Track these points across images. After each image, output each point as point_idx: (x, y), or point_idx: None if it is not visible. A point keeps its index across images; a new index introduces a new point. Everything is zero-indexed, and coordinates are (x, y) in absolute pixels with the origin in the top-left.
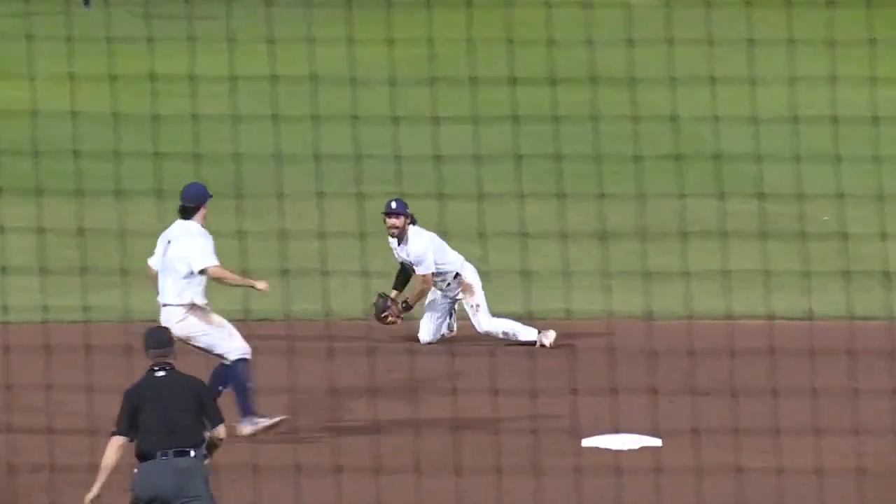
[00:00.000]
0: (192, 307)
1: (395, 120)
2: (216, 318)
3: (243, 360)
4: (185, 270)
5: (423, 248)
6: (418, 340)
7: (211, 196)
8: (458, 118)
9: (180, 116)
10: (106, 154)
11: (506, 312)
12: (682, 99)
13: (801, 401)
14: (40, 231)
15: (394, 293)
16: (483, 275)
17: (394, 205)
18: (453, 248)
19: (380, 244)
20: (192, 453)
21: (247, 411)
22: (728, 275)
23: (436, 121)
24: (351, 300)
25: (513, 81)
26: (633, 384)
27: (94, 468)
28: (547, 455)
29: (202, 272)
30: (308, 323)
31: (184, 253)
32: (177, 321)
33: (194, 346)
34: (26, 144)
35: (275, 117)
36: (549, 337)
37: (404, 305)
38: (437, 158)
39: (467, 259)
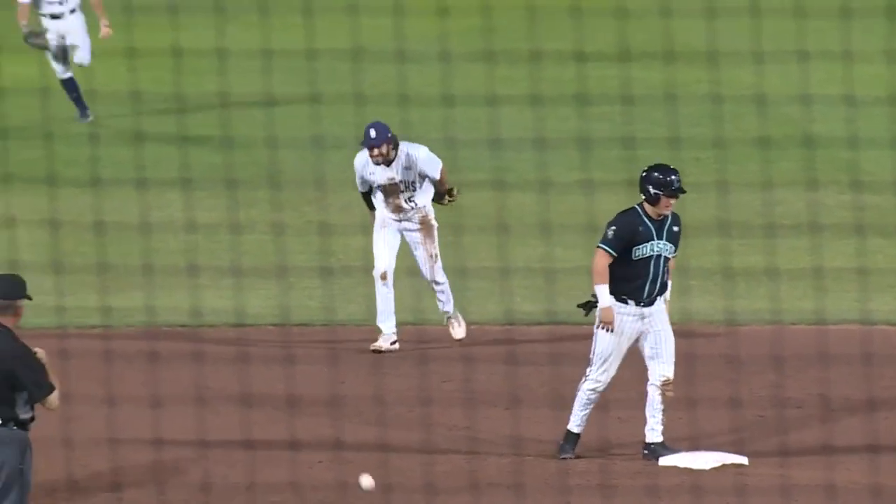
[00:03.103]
0: None
1: (448, 100)
2: None
3: None
4: None
5: (426, 151)
6: (384, 277)
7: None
8: (518, 98)
9: (207, 95)
10: (125, 138)
11: (572, 317)
12: (769, 76)
13: None
14: (54, 224)
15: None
16: (546, 272)
17: (373, 133)
18: (517, 244)
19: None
20: None
21: None
22: (820, 274)
23: (493, 101)
24: (401, 302)
25: (580, 57)
26: (714, 395)
27: (116, 485)
28: (618, 475)
29: None
30: (352, 329)
31: None
32: None
33: None
34: (36, 127)
35: (313, 98)
36: (459, 332)
37: (449, 196)
38: (495, 143)
39: None
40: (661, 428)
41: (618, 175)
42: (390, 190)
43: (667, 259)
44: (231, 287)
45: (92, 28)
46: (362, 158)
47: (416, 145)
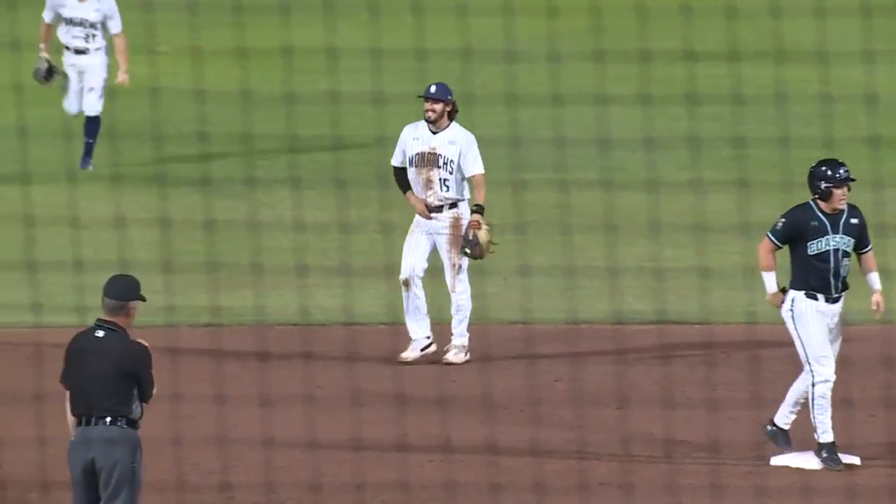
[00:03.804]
0: None
1: (557, 99)
2: None
3: None
4: None
5: (474, 142)
6: (406, 285)
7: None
8: (628, 97)
9: (317, 95)
10: (235, 137)
11: (682, 316)
12: (879, 75)
13: None
14: (164, 223)
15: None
16: (655, 271)
17: (433, 88)
18: (626, 243)
19: (543, 239)
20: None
21: None
22: None
23: (602, 100)
24: (508, 302)
25: (689, 56)
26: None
27: (226, 485)
28: (728, 475)
29: None
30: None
31: None
32: None
33: None
34: (146, 126)
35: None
36: (454, 357)
37: (476, 208)
38: (604, 143)
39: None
40: (792, 419)
41: (728, 174)
42: (429, 160)
43: (846, 253)
44: (341, 286)
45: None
46: (412, 128)
47: (468, 131)
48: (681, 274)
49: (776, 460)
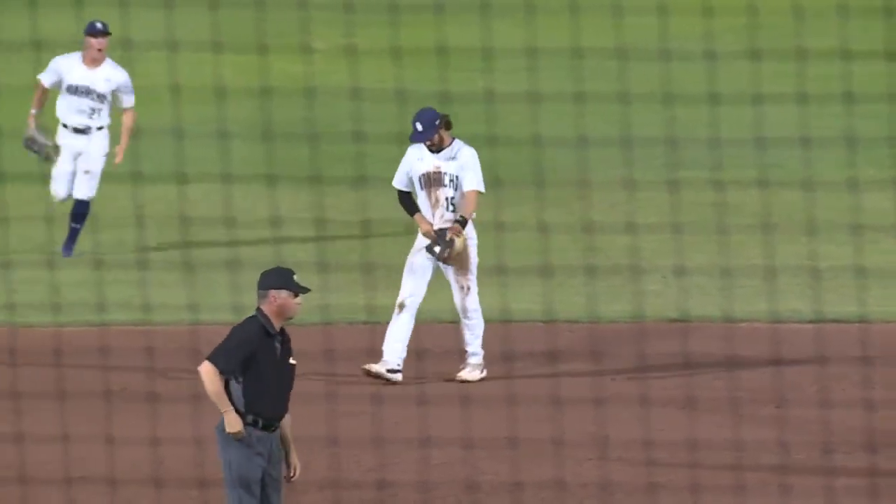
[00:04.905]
0: None
1: (714, 98)
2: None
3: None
4: None
5: (475, 158)
6: (399, 307)
7: None
8: (784, 96)
9: (472, 94)
10: (390, 136)
11: (839, 315)
12: None
13: None
14: (320, 223)
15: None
16: (812, 270)
17: (420, 127)
18: (783, 242)
19: (700, 239)
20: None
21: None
22: None
23: (759, 99)
24: (666, 302)
25: (846, 55)
26: None
27: (383, 483)
28: (888, 474)
29: None
30: (620, 326)
31: None
32: None
33: None
34: (300, 125)
35: (577, 96)
36: (468, 374)
37: (460, 219)
38: (761, 141)
39: None
40: None
41: (886, 173)
42: (434, 179)
43: None
44: (498, 285)
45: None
46: (416, 149)
47: (469, 147)
48: (838, 273)
49: None
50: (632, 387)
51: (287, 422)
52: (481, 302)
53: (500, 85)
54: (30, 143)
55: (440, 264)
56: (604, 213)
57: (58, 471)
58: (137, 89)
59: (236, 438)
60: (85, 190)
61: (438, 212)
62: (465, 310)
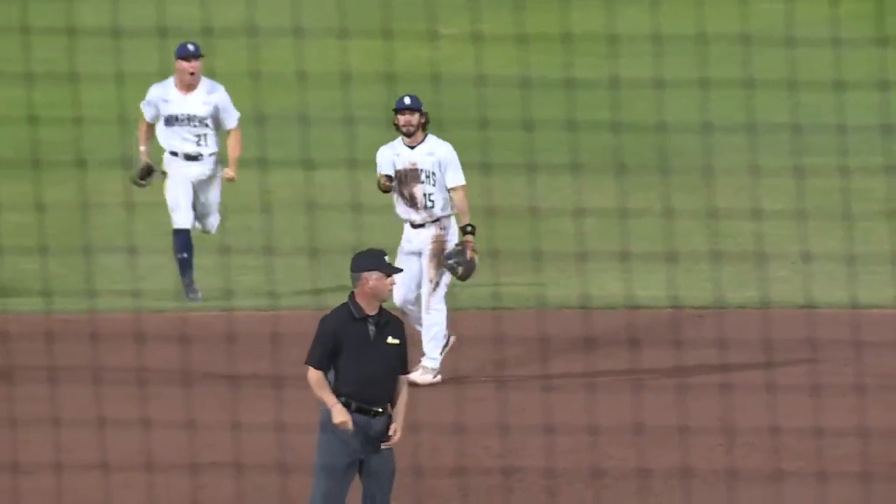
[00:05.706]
0: None
1: (839, 85)
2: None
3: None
4: None
5: (453, 153)
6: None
7: None
8: None
9: (597, 80)
10: (515, 123)
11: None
12: None
13: None
14: None
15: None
16: None
17: (408, 100)
18: None
19: (826, 225)
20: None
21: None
22: None
23: (885, 85)
24: (793, 288)
25: None
26: None
27: (506, 469)
28: None
29: None
30: (749, 312)
31: None
32: None
33: None
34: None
35: (702, 81)
36: (419, 377)
37: (470, 229)
38: (887, 128)
39: None
40: None
41: None
42: (410, 176)
43: None
44: (621, 271)
45: None
46: (388, 147)
47: (445, 142)
48: None
49: None
50: (758, 374)
51: (402, 399)
52: (606, 288)
53: (625, 71)
54: (143, 175)
55: (419, 257)
56: (729, 199)
57: (184, 457)
58: (263, 75)
59: (341, 430)
60: (213, 227)
61: (415, 209)
62: (427, 305)
